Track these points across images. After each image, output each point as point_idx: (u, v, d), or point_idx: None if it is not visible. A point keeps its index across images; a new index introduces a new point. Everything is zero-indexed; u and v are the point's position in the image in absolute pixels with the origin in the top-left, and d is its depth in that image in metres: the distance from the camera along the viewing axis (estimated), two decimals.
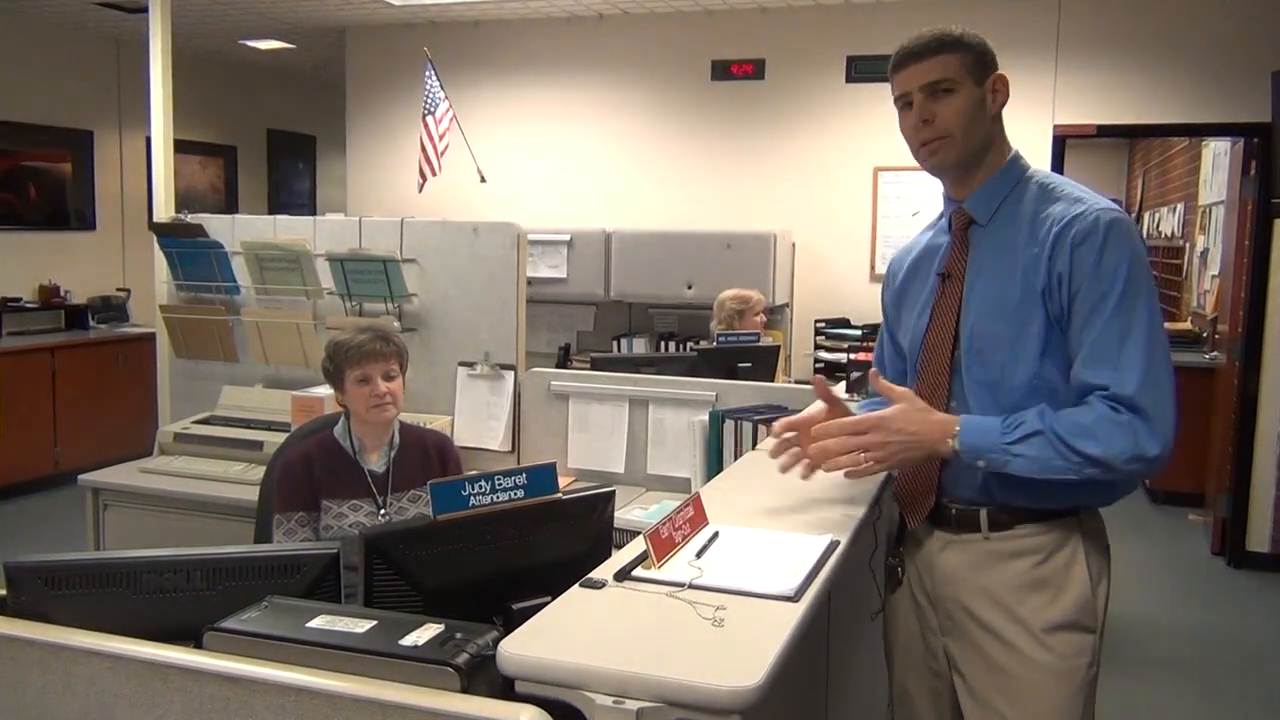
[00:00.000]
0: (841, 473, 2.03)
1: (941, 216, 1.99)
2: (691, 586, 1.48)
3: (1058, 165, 5.73)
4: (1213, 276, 6.99)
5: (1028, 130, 5.58)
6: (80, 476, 3.58)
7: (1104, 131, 5.84)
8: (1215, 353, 6.56)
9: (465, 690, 1.19)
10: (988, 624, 1.81)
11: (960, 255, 1.88)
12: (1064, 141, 5.76)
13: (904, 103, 1.86)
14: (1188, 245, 8.16)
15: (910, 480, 1.90)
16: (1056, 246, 1.74)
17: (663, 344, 5.66)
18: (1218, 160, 6.87)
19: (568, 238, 5.67)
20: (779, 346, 4.26)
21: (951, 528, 1.86)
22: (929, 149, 1.84)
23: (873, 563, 2.03)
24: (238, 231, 3.99)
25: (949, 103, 1.81)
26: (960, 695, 1.86)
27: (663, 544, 1.59)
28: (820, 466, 1.87)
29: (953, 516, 1.85)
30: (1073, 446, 1.67)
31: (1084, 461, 1.67)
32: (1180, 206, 8.42)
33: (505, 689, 1.26)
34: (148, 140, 4.45)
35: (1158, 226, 9.42)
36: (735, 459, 2.96)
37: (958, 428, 1.74)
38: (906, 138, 1.89)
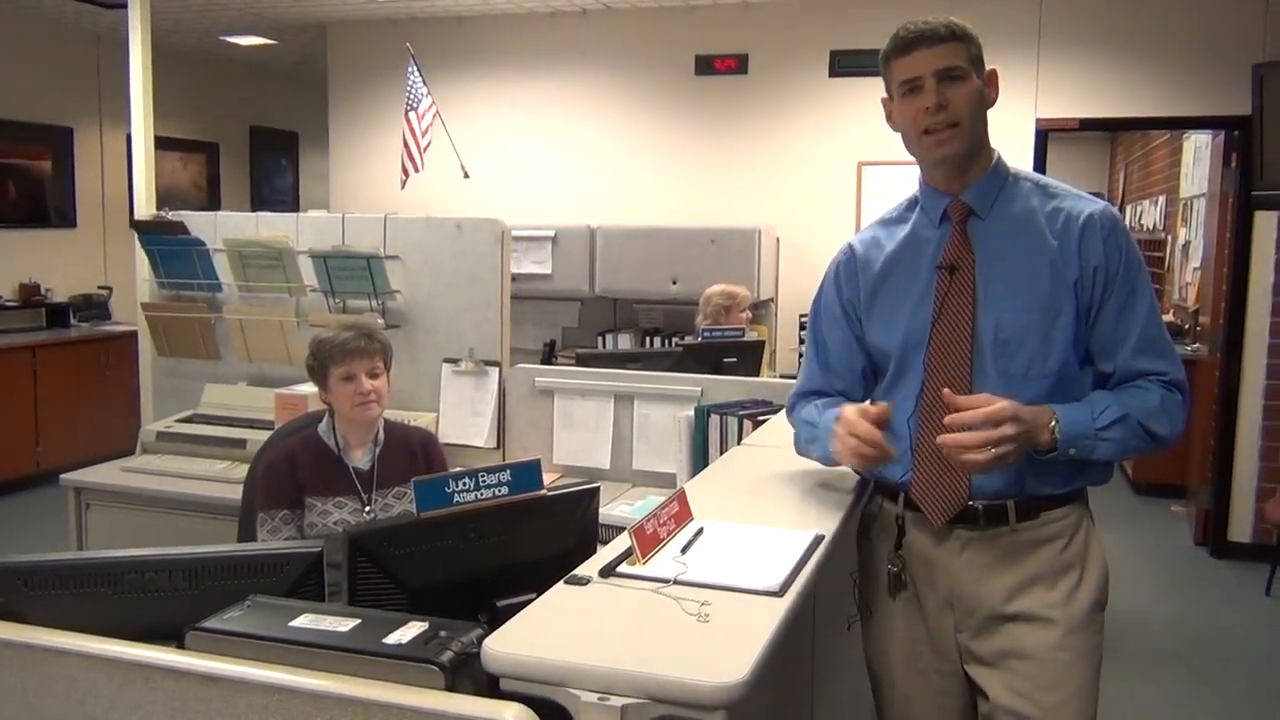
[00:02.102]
0: (824, 467, 2.04)
1: (913, 209, 1.94)
2: (676, 582, 1.48)
3: (1040, 158, 5.74)
4: (1194, 269, 7.03)
5: (1011, 124, 5.60)
6: (62, 476, 3.57)
7: (1086, 125, 5.86)
8: (1197, 345, 6.60)
9: (450, 688, 1.18)
10: (1019, 614, 1.81)
11: (964, 248, 1.84)
12: (1046, 135, 5.77)
13: (910, 87, 1.80)
14: (1169, 238, 8.20)
15: (935, 478, 1.81)
16: (1086, 239, 1.79)
17: (648, 340, 5.65)
18: (1199, 153, 6.91)
19: (552, 234, 5.66)
20: (764, 342, 4.26)
21: (976, 524, 1.82)
22: (937, 137, 1.79)
23: (865, 572, 1.98)
24: (220, 228, 3.97)
25: (961, 90, 1.78)
26: (988, 689, 1.83)
27: (648, 540, 1.58)
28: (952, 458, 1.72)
29: (979, 512, 1.81)
30: (1148, 428, 1.78)
31: (1153, 440, 1.79)
32: (1162, 199, 8.46)
33: (490, 687, 1.25)
34: (128, 137, 4.42)
35: (1140, 219, 9.46)
36: (721, 454, 2.96)
37: (1055, 418, 1.74)
38: (907, 124, 1.83)
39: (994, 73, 1.85)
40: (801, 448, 2.05)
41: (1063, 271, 1.79)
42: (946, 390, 1.76)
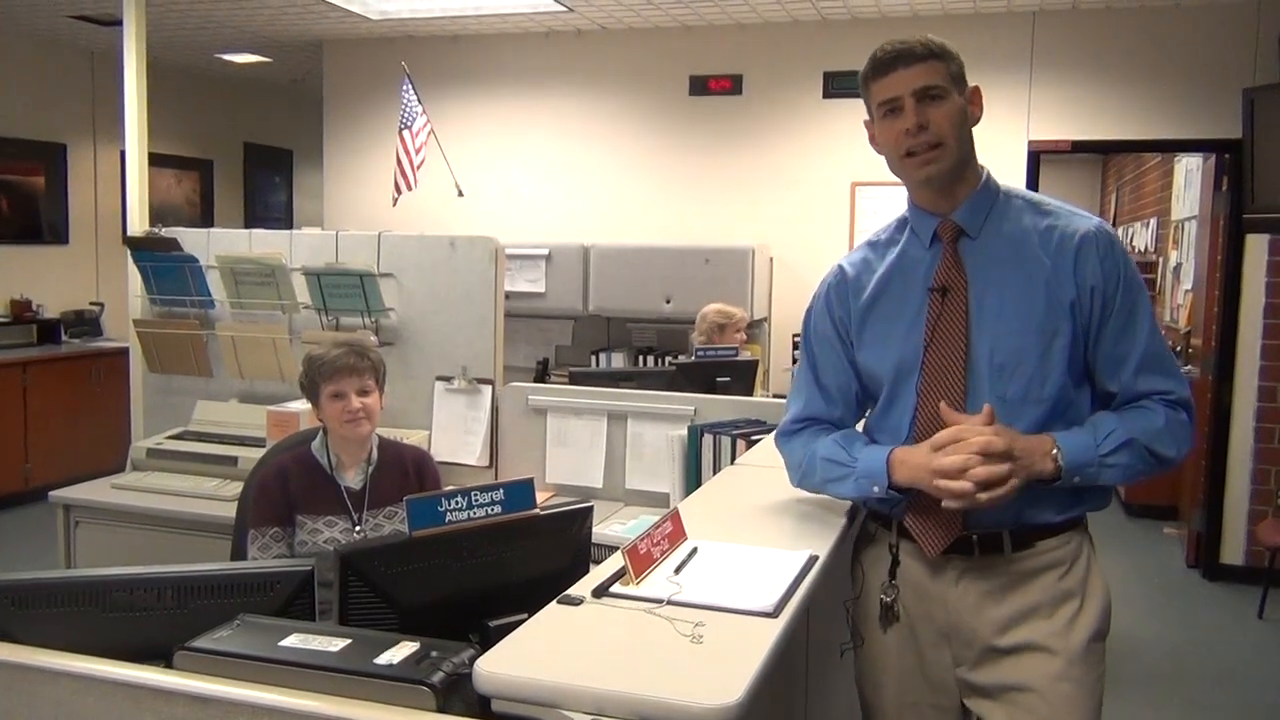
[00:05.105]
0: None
1: (902, 230, 1.90)
2: (670, 603, 1.47)
3: (1033, 180, 5.77)
4: (1186, 291, 7.06)
5: (1003, 146, 5.63)
6: (51, 493, 3.54)
7: (1079, 147, 5.89)
8: (1189, 367, 6.61)
9: (441, 709, 1.17)
10: (1018, 646, 1.77)
11: (956, 269, 1.80)
12: (1038, 157, 5.80)
13: (889, 109, 1.78)
14: (1161, 260, 8.24)
15: (930, 507, 1.74)
16: (1081, 258, 1.75)
17: (641, 358, 5.65)
18: (1190, 176, 6.94)
19: (546, 252, 5.66)
20: (758, 361, 4.26)
21: (970, 554, 1.78)
22: (921, 159, 1.76)
23: (857, 601, 1.94)
24: (213, 245, 3.96)
25: (941, 109, 1.75)
26: None
27: (641, 560, 1.58)
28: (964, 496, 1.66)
29: (974, 542, 1.77)
30: (1153, 450, 1.74)
31: (1160, 463, 1.76)
32: (1153, 221, 8.50)
33: (482, 708, 1.24)
34: (122, 153, 4.42)
35: (1131, 241, 9.50)
36: (714, 473, 2.96)
37: (1056, 446, 1.70)
38: (889, 146, 1.81)
39: (977, 89, 1.82)
40: (814, 483, 1.94)
41: (1058, 292, 1.75)
42: (944, 404, 1.72)
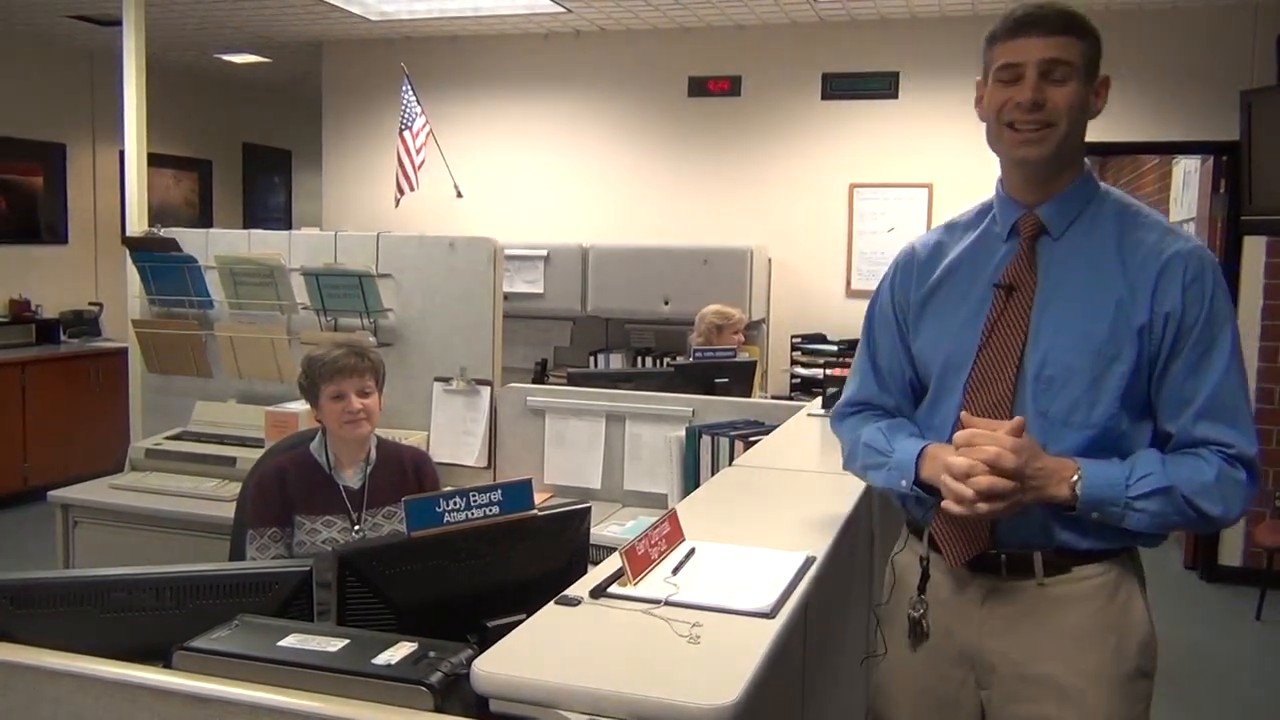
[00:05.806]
0: (817, 488, 2.03)
1: (984, 216, 1.78)
2: (667, 603, 1.47)
3: None
4: None
5: None
6: (50, 493, 3.54)
7: None
8: None
9: (439, 710, 1.18)
10: (1045, 678, 1.64)
11: (1027, 268, 1.67)
12: None
13: (1010, 74, 1.62)
14: None
15: (956, 516, 1.60)
16: (1163, 282, 1.60)
17: (639, 359, 5.66)
18: (1188, 178, 6.94)
19: (544, 253, 5.67)
20: (756, 362, 4.26)
21: (998, 574, 1.66)
22: (1024, 136, 1.62)
23: (885, 607, 1.88)
24: (212, 245, 3.97)
25: (1062, 90, 1.61)
26: None
27: (639, 561, 1.58)
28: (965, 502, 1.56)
29: (1001, 561, 1.65)
30: (1195, 505, 1.57)
31: (1201, 519, 1.59)
32: None
33: (479, 708, 1.25)
34: (121, 154, 4.42)
35: None
36: (712, 474, 2.96)
37: (1078, 473, 1.56)
38: (993, 112, 1.66)
39: (1107, 81, 1.69)
40: (856, 469, 1.87)
41: (1129, 313, 1.60)
42: (965, 413, 1.63)
